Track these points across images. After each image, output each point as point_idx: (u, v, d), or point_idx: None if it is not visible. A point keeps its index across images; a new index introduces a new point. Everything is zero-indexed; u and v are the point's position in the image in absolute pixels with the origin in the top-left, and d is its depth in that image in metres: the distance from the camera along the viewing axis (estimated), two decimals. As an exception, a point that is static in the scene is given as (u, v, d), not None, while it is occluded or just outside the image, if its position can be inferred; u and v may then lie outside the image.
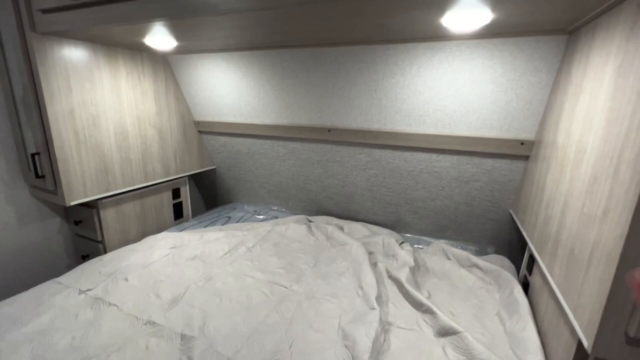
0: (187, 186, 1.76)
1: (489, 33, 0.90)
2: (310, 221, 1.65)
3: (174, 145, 1.60)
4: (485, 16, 0.73)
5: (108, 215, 1.36)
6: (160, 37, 1.08)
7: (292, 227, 1.55)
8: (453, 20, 0.76)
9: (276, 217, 1.78)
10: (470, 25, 0.76)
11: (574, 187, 0.71)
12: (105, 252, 1.37)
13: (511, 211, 1.25)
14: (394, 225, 1.56)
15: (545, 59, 0.92)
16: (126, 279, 1.07)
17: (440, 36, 0.93)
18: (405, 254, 1.26)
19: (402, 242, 1.41)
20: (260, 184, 1.82)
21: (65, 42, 1.11)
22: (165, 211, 1.64)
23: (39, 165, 1.18)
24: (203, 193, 2.10)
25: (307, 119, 1.40)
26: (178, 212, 1.73)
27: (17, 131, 1.22)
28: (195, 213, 2.00)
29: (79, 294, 1.00)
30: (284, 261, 1.27)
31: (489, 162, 1.18)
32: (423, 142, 1.22)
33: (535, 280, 0.95)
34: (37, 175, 1.18)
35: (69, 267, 1.47)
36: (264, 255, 1.31)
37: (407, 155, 1.31)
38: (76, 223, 1.38)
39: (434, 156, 1.26)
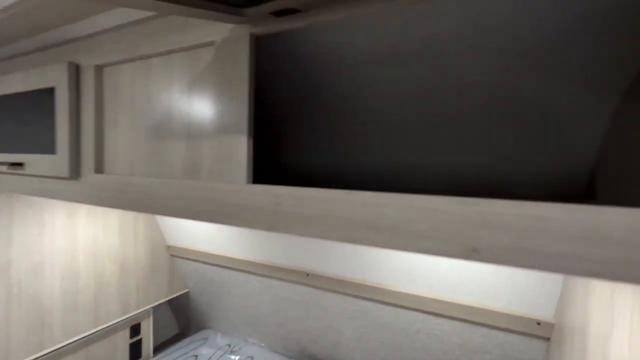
0: (151, 318, 1.53)
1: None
2: (289, 371, 1.37)
3: (137, 276, 1.42)
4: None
5: (37, 380, 1.12)
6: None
7: (265, 386, 1.27)
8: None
9: (251, 358, 1.50)
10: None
11: None
12: None
13: (536, 397, 0.97)
14: (390, 384, 1.26)
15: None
16: None
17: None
18: None
19: (399, 422, 1.11)
20: (236, 314, 1.58)
21: (16, 189, 1.02)
22: (119, 356, 1.39)
23: (-43, 329, 0.99)
24: (175, 312, 1.85)
25: (284, 259, 1.23)
26: (136, 352, 1.46)
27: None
28: (165, 334, 1.72)
29: None
30: None
31: (499, 335, 0.95)
32: (415, 303, 1.01)
33: None
34: (-48, 342, 0.98)
35: None
36: None
37: (399, 311, 1.09)
38: (-3, 389, 1.13)
39: (431, 318, 1.04)
